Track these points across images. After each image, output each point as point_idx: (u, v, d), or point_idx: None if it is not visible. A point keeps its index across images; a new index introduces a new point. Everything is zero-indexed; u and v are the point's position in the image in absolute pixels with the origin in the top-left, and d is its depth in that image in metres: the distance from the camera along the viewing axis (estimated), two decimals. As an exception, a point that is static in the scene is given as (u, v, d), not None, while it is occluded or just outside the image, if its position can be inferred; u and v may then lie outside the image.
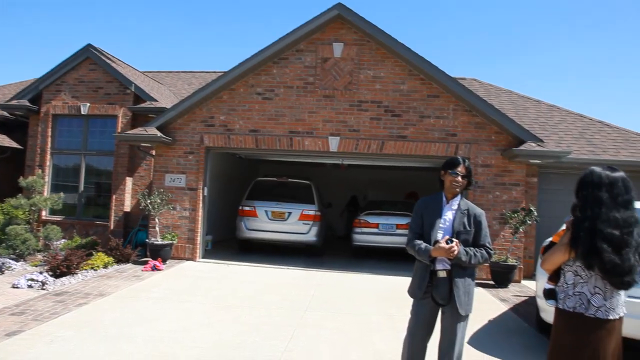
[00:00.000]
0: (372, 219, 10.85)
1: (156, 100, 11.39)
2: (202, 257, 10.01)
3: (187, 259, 9.71)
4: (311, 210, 10.54)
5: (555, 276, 2.79)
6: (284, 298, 6.90)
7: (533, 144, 8.97)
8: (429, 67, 9.24)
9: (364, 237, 10.83)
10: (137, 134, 9.72)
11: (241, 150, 10.44)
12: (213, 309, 6.08)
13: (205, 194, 10.04)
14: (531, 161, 9.18)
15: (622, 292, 2.60)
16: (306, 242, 10.61)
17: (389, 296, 7.04)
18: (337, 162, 12.97)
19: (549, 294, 2.84)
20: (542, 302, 5.09)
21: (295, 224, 10.44)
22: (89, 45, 11.61)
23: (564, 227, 2.77)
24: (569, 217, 2.70)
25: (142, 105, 11.31)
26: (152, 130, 9.61)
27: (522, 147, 8.90)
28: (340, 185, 16.63)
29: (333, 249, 12.41)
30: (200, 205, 9.87)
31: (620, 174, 2.62)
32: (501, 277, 8.62)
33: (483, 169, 9.30)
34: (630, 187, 2.59)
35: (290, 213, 10.47)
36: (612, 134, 11.21)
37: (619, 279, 2.49)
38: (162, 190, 9.65)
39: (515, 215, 8.76)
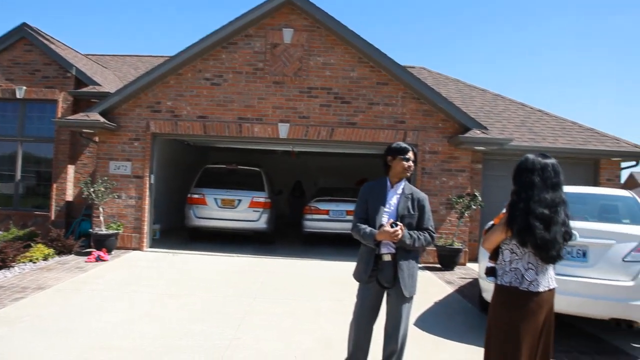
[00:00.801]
0: (323, 206, 10.90)
1: (99, 85, 10.93)
2: (150, 247, 9.75)
3: (134, 249, 9.43)
4: (261, 197, 10.47)
5: (495, 255, 2.96)
6: (234, 286, 6.84)
7: (478, 132, 9.25)
8: (379, 54, 9.32)
9: (314, 223, 10.87)
10: (79, 119, 9.29)
11: (189, 136, 10.21)
12: (160, 298, 5.94)
13: (152, 181, 9.75)
14: (476, 148, 9.47)
15: (551, 267, 2.82)
16: (256, 229, 10.54)
17: (339, 281, 7.11)
18: (287, 149, 12.90)
19: (490, 272, 3.00)
20: (484, 283, 5.30)
21: (245, 211, 10.34)
22: (24, 25, 10.95)
23: (504, 210, 2.95)
24: (508, 202, 2.86)
25: (84, 89, 10.82)
26: (95, 116, 9.21)
27: (467, 135, 9.16)
28: (291, 173, 16.62)
29: (284, 236, 12.41)
30: (147, 193, 9.59)
31: (550, 160, 2.84)
32: (447, 260, 8.90)
33: (430, 156, 9.52)
34: (559, 171, 2.81)
35: (240, 200, 10.35)
36: (551, 122, 11.72)
37: (548, 254, 2.71)
38: (106, 178, 9.29)
39: (461, 200, 9.04)
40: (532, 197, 2.72)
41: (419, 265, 9.08)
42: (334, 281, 7.24)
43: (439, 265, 9.05)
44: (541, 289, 2.75)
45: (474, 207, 9.08)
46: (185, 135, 9.89)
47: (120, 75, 13.71)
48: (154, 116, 9.59)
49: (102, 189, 9.00)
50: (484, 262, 4.07)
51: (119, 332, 4.59)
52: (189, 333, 4.68)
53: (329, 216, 10.73)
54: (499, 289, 2.86)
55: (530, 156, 2.87)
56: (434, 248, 9.17)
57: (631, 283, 4.47)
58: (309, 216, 10.94)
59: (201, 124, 9.56)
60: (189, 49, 9.35)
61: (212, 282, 6.98)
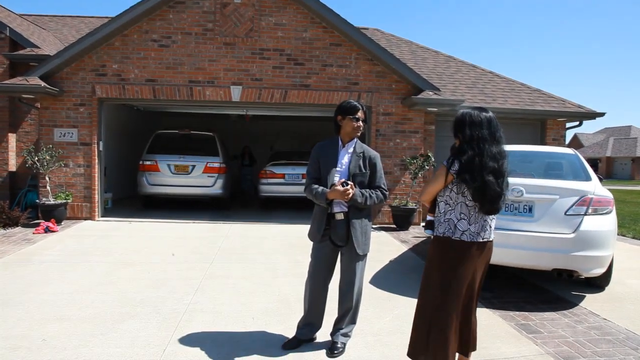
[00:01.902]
0: (278, 170, 10.86)
1: (38, 47, 10.30)
2: (102, 216, 9.50)
3: (85, 219, 9.17)
4: (216, 162, 10.32)
5: (433, 208, 3.05)
6: (190, 252, 6.78)
7: (431, 93, 9.37)
8: (331, 15, 9.17)
9: (270, 187, 10.84)
10: (17, 84, 8.74)
11: (138, 101, 9.83)
12: (114, 267, 5.82)
13: (101, 149, 9.40)
14: (429, 109, 9.60)
15: (489, 218, 2.90)
16: (212, 195, 10.43)
17: (296, 243, 7.17)
18: (241, 113, 12.68)
19: (429, 225, 3.09)
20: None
21: (199, 177, 10.18)
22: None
23: (444, 163, 2.96)
24: (446, 161, 2.90)
25: (21, 52, 10.19)
26: (35, 80, 8.69)
27: (420, 96, 9.26)
28: (246, 137, 16.40)
29: (240, 202, 12.35)
30: (96, 161, 9.25)
31: (491, 113, 2.90)
32: (402, 220, 9.12)
33: (384, 117, 9.60)
34: (499, 124, 2.88)
35: (194, 166, 10.17)
36: (501, 83, 12.00)
37: (496, 206, 2.80)
38: (51, 146, 8.87)
39: (415, 161, 9.21)
40: (484, 152, 2.76)
41: (375, 226, 9.36)
42: (292, 244, 7.30)
43: (394, 226, 9.28)
44: (475, 239, 2.83)
45: (427, 167, 9.28)
46: (134, 99, 9.52)
47: (61, 38, 12.95)
48: (99, 80, 9.15)
49: (48, 158, 8.61)
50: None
51: (72, 303, 4.48)
52: (145, 300, 4.63)
53: (285, 180, 10.72)
54: (434, 240, 2.96)
55: (470, 110, 2.90)
56: (389, 209, 9.37)
57: (572, 235, 4.72)
58: (264, 180, 10.89)
59: (150, 88, 9.21)
60: (134, 8, 8.89)
61: (168, 249, 6.89)
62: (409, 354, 3.01)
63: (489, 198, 2.75)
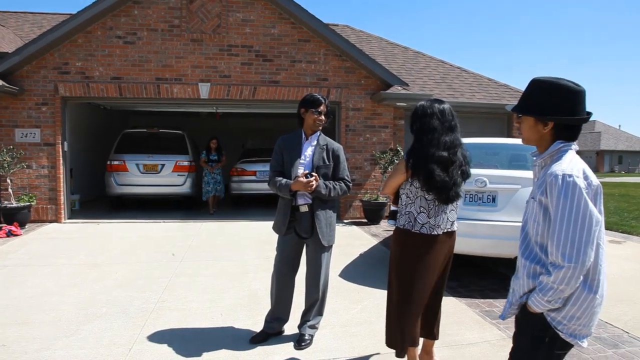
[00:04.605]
0: (249, 167, 10.81)
1: (-4, 45, 9.97)
2: (69, 218, 9.28)
3: (51, 221, 8.94)
4: (185, 161, 10.20)
5: (397, 199, 3.06)
6: (160, 251, 6.69)
7: (399, 88, 9.46)
8: (299, 10, 9.16)
9: (241, 185, 10.78)
10: (-26, 83, 8.45)
11: (104, 99, 9.63)
12: (80, 269, 5.70)
13: (66, 149, 9.17)
14: (398, 104, 9.69)
15: (449, 210, 2.93)
16: (182, 194, 10.31)
17: (266, 240, 7.15)
18: (211, 111, 12.56)
19: (392, 215, 3.12)
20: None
21: (169, 176, 10.05)
22: None
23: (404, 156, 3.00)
24: (406, 155, 2.93)
25: (-22, 50, 9.82)
26: (-7, 79, 8.42)
27: (389, 91, 9.35)
28: (218, 136, 16.21)
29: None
30: (61, 162, 9.03)
31: (446, 105, 2.93)
32: (373, 214, 9.19)
33: (354, 113, 9.64)
34: (454, 114, 2.91)
35: (163, 165, 10.03)
36: (469, 79, 12.19)
37: (448, 195, 2.81)
38: (12, 147, 8.60)
39: (384, 155, 9.29)
40: (432, 141, 2.78)
41: (346, 221, 9.41)
42: (262, 240, 7.28)
43: (365, 220, 9.35)
44: (435, 232, 2.85)
45: (396, 162, 9.35)
46: (99, 98, 9.32)
47: (22, 35, 12.57)
48: (62, 78, 8.92)
49: (9, 159, 8.35)
50: None
51: (34, 306, 4.37)
52: (112, 300, 4.55)
53: (256, 177, 10.67)
54: (396, 231, 2.99)
55: (426, 102, 2.93)
56: (360, 203, 9.43)
57: (533, 223, 4.82)
58: (235, 178, 10.82)
59: (116, 86, 9.04)
60: (96, 4, 8.69)
61: (137, 249, 6.79)
62: (386, 344, 3.04)
63: (435, 187, 2.76)
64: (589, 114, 1.87)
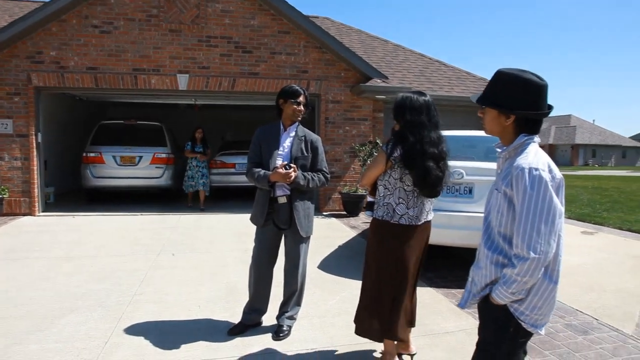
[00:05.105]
0: (229, 159, 10.73)
1: (-35, 33, 9.65)
2: (43, 211, 9.11)
3: (25, 214, 8.76)
4: (163, 153, 10.07)
5: (374, 191, 3.09)
6: (137, 243, 6.62)
7: (379, 81, 9.49)
8: (279, 2, 9.11)
9: (221, 177, 10.70)
10: (-57, 72, 8.20)
11: (79, 90, 9.44)
12: (55, 262, 5.60)
13: (40, 140, 8.98)
14: (377, 97, 9.72)
15: (427, 202, 2.97)
16: (160, 186, 10.20)
17: (245, 232, 7.09)
18: (190, 103, 12.42)
19: (369, 206, 3.14)
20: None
21: (147, 168, 9.92)
22: None
23: (384, 148, 3.00)
24: (385, 146, 2.93)
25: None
26: (-37, 68, 8.18)
27: (369, 84, 9.38)
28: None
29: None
30: (35, 153, 8.82)
31: (429, 97, 2.94)
32: (352, 206, 9.24)
33: (333, 105, 9.65)
34: (437, 109, 2.93)
35: (141, 157, 9.88)
36: (448, 72, 12.29)
37: (437, 190, 2.87)
38: (-17, 138, 8.39)
39: (364, 148, 9.32)
40: (424, 138, 2.79)
41: (325, 213, 9.43)
42: (241, 233, 7.25)
43: (344, 212, 9.39)
44: (414, 223, 2.89)
45: (376, 154, 9.40)
46: (75, 88, 9.13)
47: (-8, 23, 12.19)
48: (35, 68, 8.71)
49: (-20, 150, 8.14)
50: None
51: (6, 301, 4.27)
52: (88, 293, 4.48)
53: (236, 170, 10.60)
54: (373, 222, 3.01)
55: (411, 94, 2.92)
56: (339, 196, 9.46)
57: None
58: (215, 170, 10.73)
59: (92, 76, 8.86)
60: (71, -8, 8.48)
61: (114, 242, 6.70)
62: (355, 332, 3.08)
63: (430, 183, 2.80)
64: (550, 107, 1.91)
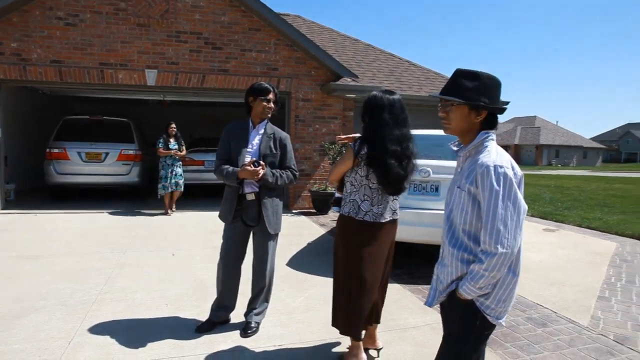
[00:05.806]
0: (198, 157, 10.63)
1: None
2: (3, 209, 8.82)
3: (-17, 212, 8.47)
4: (131, 149, 9.90)
5: (342, 187, 3.13)
6: (103, 242, 6.48)
7: (349, 80, 9.55)
8: (249, -2, 9.05)
9: (190, 174, 10.57)
10: None
11: (42, 84, 9.16)
12: (14, 262, 5.43)
13: (0, 135, 8.68)
14: (347, 95, 9.79)
15: (392, 199, 3.02)
16: (127, 183, 10.01)
17: (214, 229, 7.07)
18: (159, 99, 12.23)
19: (336, 202, 3.18)
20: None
21: (114, 165, 9.72)
22: None
23: (352, 145, 3.03)
24: (353, 144, 2.96)
25: None
26: None
27: (339, 82, 9.43)
28: (165, 124, 15.80)
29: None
30: (-5, 149, 8.54)
31: (397, 96, 2.97)
32: (321, 204, 9.28)
33: (304, 103, 9.66)
34: (404, 107, 2.96)
35: (107, 154, 9.68)
36: (417, 72, 12.47)
37: (400, 187, 2.91)
38: (-61, 132, 8.07)
39: (333, 146, 9.37)
40: (386, 136, 2.83)
41: (295, 211, 9.45)
42: (210, 230, 7.21)
43: (313, 210, 9.42)
44: (378, 220, 2.94)
45: (345, 152, 9.47)
46: (38, 82, 8.87)
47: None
48: (-5, 60, 8.42)
49: (-64, 145, 7.82)
50: None
51: (-36, 299, 4.14)
52: (49, 293, 4.37)
53: (205, 167, 10.51)
54: (340, 218, 3.05)
55: (378, 93, 2.96)
56: (309, 194, 9.49)
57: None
58: (184, 168, 10.58)
59: (56, 70, 8.62)
60: (34, -18, 8.23)
61: (78, 240, 6.55)
62: (332, 324, 3.12)
63: (392, 180, 2.84)
64: (506, 102, 1.98)
